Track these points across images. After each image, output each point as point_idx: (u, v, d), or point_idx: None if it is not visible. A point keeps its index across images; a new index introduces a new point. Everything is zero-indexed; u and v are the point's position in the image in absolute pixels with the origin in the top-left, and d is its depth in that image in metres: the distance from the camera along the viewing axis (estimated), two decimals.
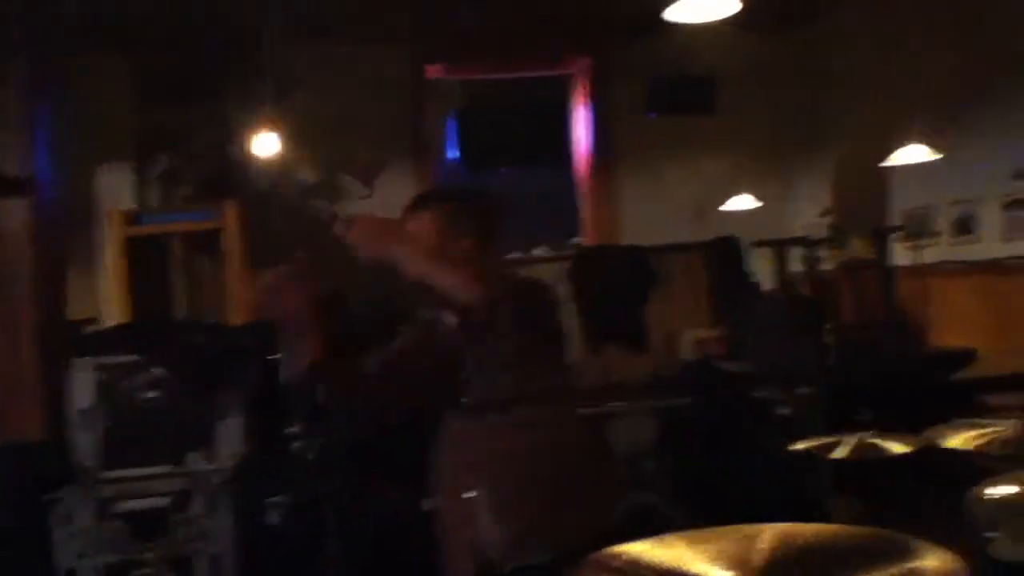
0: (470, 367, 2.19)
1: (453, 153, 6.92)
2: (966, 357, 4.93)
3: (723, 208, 6.39)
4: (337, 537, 3.85)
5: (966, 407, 4.01)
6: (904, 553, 1.30)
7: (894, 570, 1.24)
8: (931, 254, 5.53)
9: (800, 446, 2.58)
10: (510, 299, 2.10)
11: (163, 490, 3.36)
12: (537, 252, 7.02)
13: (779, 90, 6.95)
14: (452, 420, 2.27)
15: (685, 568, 1.28)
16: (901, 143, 4.85)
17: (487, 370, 2.17)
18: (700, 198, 6.85)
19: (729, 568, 1.27)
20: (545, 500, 2.17)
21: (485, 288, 2.04)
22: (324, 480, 3.94)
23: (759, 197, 6.34)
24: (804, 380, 4.37)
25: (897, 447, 2.39)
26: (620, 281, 6.32)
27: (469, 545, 2.13)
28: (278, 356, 4.39)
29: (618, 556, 1.36)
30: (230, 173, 6.21)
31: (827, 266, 6.43)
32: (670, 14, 3.42)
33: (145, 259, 5.77)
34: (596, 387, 5.12)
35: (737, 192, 6.35)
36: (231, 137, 6.06)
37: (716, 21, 3.59)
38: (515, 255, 6.71)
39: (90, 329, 4.52)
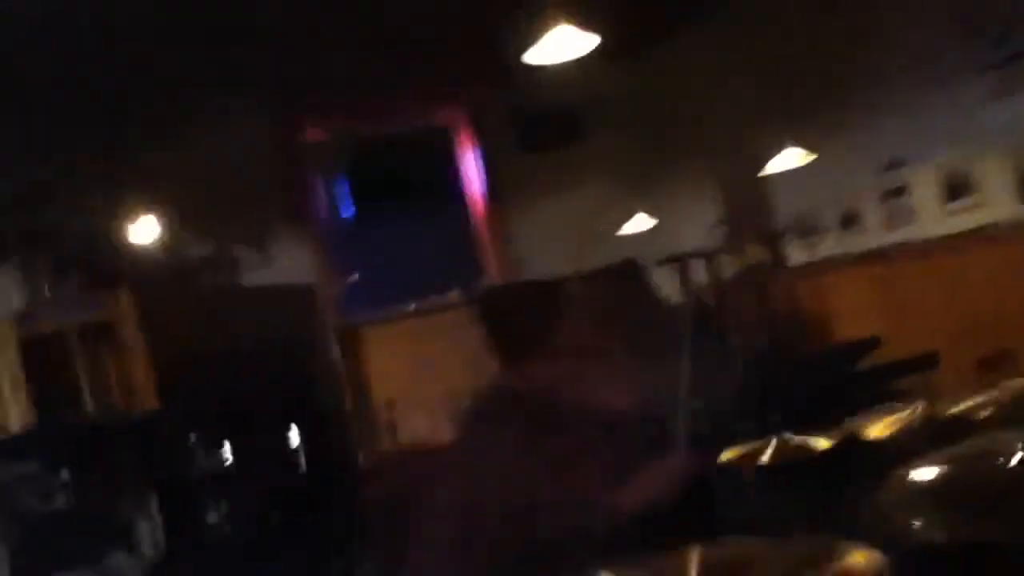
0: None
1: (345, 212, 6.90)
2: (870, 345, 5.08)
3: (619, 233, 6.49)
4: None
5: (875, 395, 4.11)
6: (828, 555, 1.32)
7: (822, 574, 1.26)
8: (823, 249, 5.71)
9: (727, 456, 2.59)
10: None
11: None
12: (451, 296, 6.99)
13: (647, 112, 7.12)
14: None
15: None
16: (776, 149, 5.02)
17: None
18: (592, 225, 6.95)
19: None
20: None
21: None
22: (248, 565, 3.84)
23: (652, 215, 6.46)
24: (716, 391, 4.42)
25: (819, 442, 2.42)
26: (531, 317, 6.32)
27: None
28: (192, 442, 4.29)
29: None
30: (118, 261, 6.05)
31: (727, 274, 6.58)
32: (530, 57, 3.47)
33: (44, 360, 5.55)
34: None
35: (630, 215, 6.46)
36: (112, 225, 5.91)
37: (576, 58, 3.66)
38: (430, 301, 6.71)
39: None
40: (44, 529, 3.31)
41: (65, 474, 3.35)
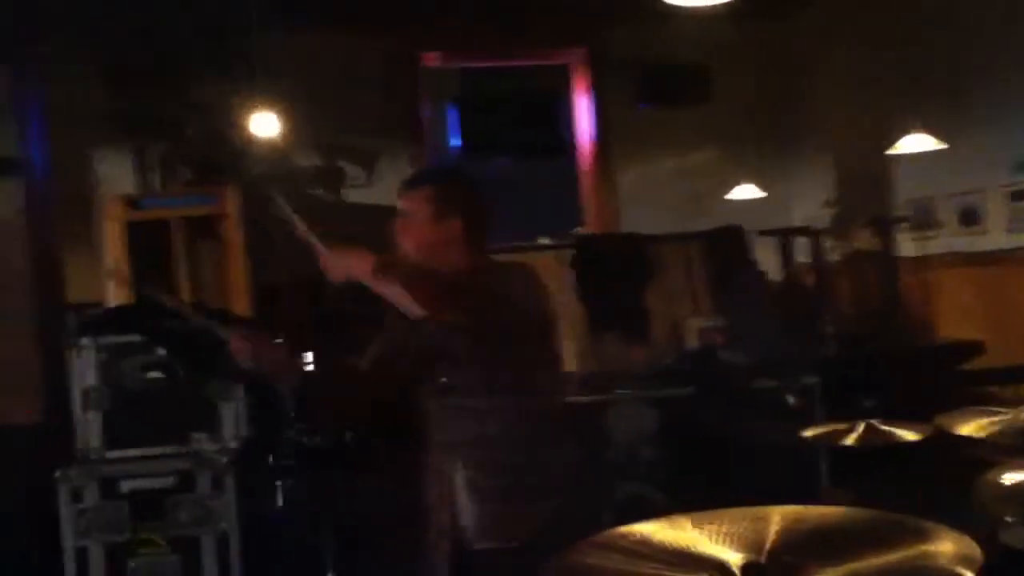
0: (447, 364, 2.23)
1: (453, 142, 6.90)
2: (973, 349, 4.93)
3: (727, 197, 6.37)
4: (332, 523, 3.86)
5: (971, 397, 4.01)
6: (916, 536, 1.29)
7: (907, 553, 1.23)
8: (936, 245, 5.51)
9: (810, 433, 2.57)
10: (486, 294, 2.15)
11: (167, 470, 3.36)
12: (540, 240, 6.99)
13: (775, 80, 6.94)
14: (434, 404, 2.30)
15: (696, 549, 1.27)
16: (902, 133, 4.83)
17: (462, 364, 2.20)
18: (699, 188, 6.85)
19: (740, 549, 1.26)
20: (518, 486, 2.20)
21: (469, 274, 2.16)
22: (326, 466, 3.95)
23: (761, 187, 6.32)
24: (805, 370, 4.37)
25: (907, 434, 2.38)
26: (622, 270, 6.31)
27: (447, 524, 2.20)
28: (279, 342, 4.41)
29: (627, 536, 1.35)
30: (227, 158, 6.20)
31: (832, 257, 6.43)
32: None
33: (145, 244, 5.74)
34: (596, 374, 5.12)
35: (736, 182, 6.33)
36: (228, 121, 6.04)
37: (713, 6, 3.56)
38: (518, 243, 6.69)
39: (91, 312, 4.50)
40: (137, 400, 3.45)
41: (161, 352, 3.47)
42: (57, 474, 3.32)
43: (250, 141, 6.05)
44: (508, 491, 2.19)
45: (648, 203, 6.86)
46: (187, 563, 3.34)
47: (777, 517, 1.38)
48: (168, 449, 3.45)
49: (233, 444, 3.48)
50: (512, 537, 2.14)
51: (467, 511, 2.18)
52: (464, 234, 2.26)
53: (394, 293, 2.06)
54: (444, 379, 2.26)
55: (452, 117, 6.87)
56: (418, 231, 2.25)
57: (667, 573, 1.22)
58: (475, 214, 2.31)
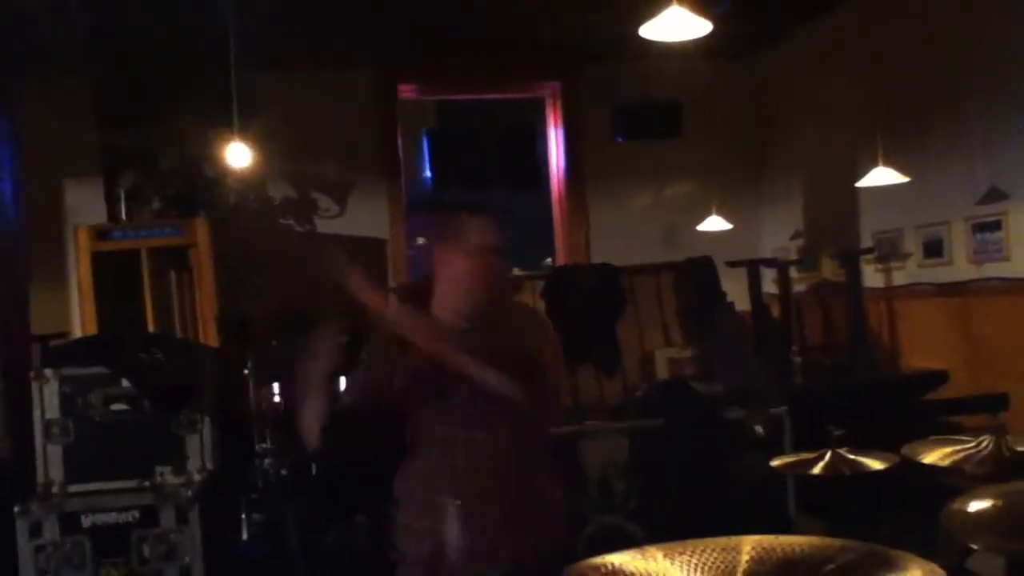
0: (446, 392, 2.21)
1: (425, 173, 6.92)
2: (937, 379, 4.98)
3: (697, 228, 6.42)
4: (301, 556, 3.81)
5: (935, 427, 4.04)
6: (885, 565, 1.29)
7: None
8: (901, 276, 5.58)
9: (778, 463, 2.58)
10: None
11: (131, 505, 3.30)
12: (513, 271, 7.01)
13: (744, 114, 7.09)
14: (434, 430, 2.27)
15: None
16: (867, 166, 4.91)
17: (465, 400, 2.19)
18: (671, 220, 6.92)
19: None
20: (503, 517, 2.19)
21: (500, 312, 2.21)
22: (292, 499, 3.91)
23: (729, 219, 6.38)
24: (773, 400, 4.39)
25: (874, 463, 2.40)
26: (594, 301, 6.33)
27: (433, 555, 2.16)
28: (247, 372, 4.37)
29: (600, 567, 1.35)
30: (199, 189, 6.17)
31: (799, 287, 6.49)
32: (644, 31, 3.45)
33: (114, 275, 5.69)
34: (568, 407, 5.11)
35: (707, 214, 6.39)
36: (199, 153, 6.02)
37: (683, 45, 3.64)
38: None
39: (56, 343, 4.44)
40: (100, 433, 3.39)
41: (126, 384, 3.42)
42: (16, 508, 3.25)
43: (223, 173, 6.03)
44: (501, 522, 2.18)
45: (620, 235, 6.91)
46: None
47: (748, 547, 1.38)
48: (132, 483, 3.39)
49: (198, 477, 3.43)
50: (501, 569, 2.13)
51: (458, 541, 2.15)
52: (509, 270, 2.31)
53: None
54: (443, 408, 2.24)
55: (425, 149, 6.90)
56: (479, 261, 2.21)
57: None
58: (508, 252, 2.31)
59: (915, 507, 2.31)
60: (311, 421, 2.13)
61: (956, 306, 5.08)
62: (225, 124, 5.82)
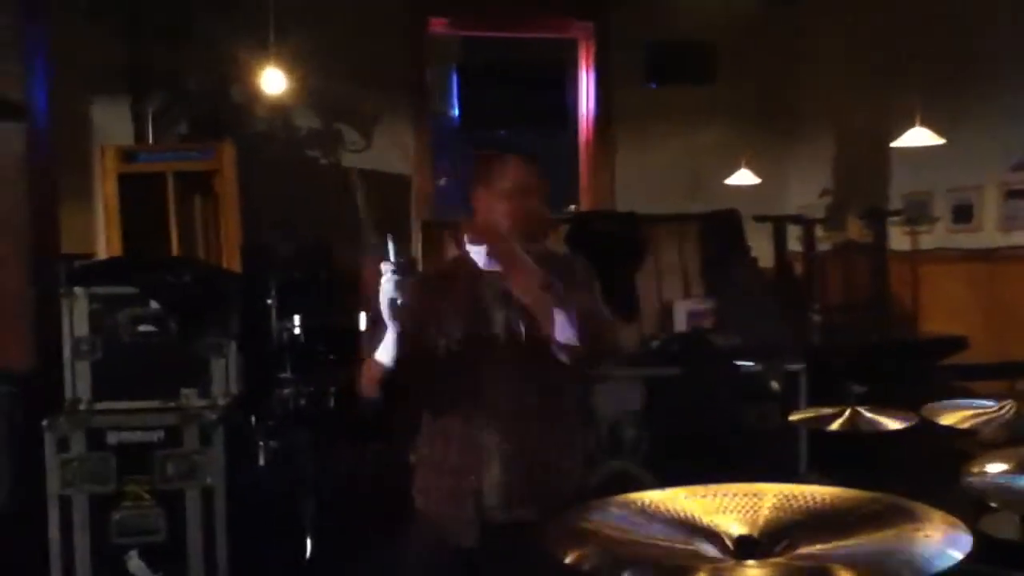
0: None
1: (453, 110, 6.87)
2: (957, 344, 4.98)
3: (726, 182, 6.37)
4: (317, 484, 3.88)
5: (952, 391, 4.05)
6: (906, 516, 1.31)
7: (897, 533, 1.25)
8: (928, 240, 5.54)
9: (795, 417, 2.60)
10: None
11: (155, 424, 3.36)
12: None
13: (780, 64, 6.94)
14: (480, 369, 2.23)
15: (698, 519, 1.29)
16: (903, 126, 4.85)
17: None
18: (697, 170, 6.86)
19: (734, 523, 1.28)
20: (541, 457, 2.20)
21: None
22: (309, 428, 3.97)
23: (758, 173, 6.33)
24: (791, 356, 4.41)
25: (893, 422, 2.41)
26: (615, 248, 6.32)
27: (473, 492, 2.15)
28: (270, 301, 4.41)
29: (625, 504, 1.37)
30: (226, 114, 6.16)
31: (824, 246, 6.46)
32: None
33: (139, 197, 5.71)
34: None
35: (736, 166, 6.34)
36: (228, 77, 6.00)
37: None
38: None
39: (84, 262, 4.48)
40: (128, 352, 3.44)
41: (154, 306, 3.46)
42: (45, 422, 3.32)
43: (251, 97, 6.02)
44: (538, 463, 2.18)
45: (646, 183, 6.87)
46: (171, 517, 3.35)
47: (771, 494, 1.40)
48: (157, 403, 3.45)
49: (222, 401, 3.48)
50: (537, 507, 2.11)
51: (498, 479, 2.15)
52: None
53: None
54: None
55: (453, 85, 6.84)
56: (532, 206, 2.21)
57: (666, 539, 1.24)
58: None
59: (930, 468, 2.34)
60: (376, 370, 2.10)
61: (982, 273, 5.06)
62: (259, 46, 5.79)
